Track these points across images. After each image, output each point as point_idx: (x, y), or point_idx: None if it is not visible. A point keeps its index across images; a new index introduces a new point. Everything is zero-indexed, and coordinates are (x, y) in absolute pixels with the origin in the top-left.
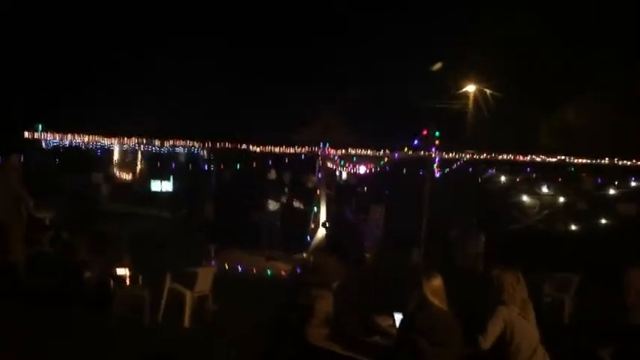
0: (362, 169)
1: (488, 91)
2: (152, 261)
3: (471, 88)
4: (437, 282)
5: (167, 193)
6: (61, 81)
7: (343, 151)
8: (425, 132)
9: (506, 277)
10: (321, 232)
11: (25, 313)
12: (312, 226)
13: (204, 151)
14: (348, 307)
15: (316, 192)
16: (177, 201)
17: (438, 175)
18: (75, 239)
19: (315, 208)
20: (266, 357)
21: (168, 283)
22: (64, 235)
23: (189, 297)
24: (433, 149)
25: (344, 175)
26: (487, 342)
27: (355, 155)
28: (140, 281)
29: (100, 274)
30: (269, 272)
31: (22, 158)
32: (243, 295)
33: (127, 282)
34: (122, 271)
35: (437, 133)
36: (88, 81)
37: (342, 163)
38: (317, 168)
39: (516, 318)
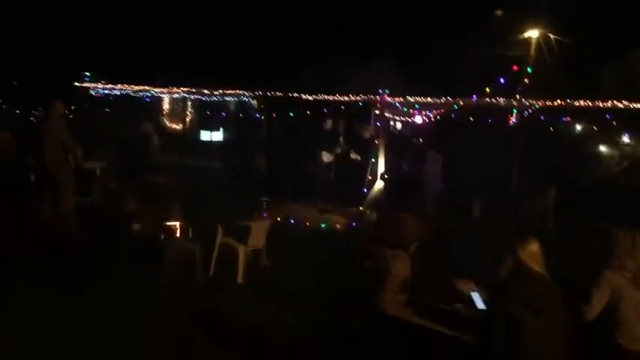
0: (418, 119)
1: (552, 36)
2: (202, 213)
3: (534, 34)
4: (534, 247)
5: (217, 143)
6: (112, 30)
7: (402, 98)
8: (515, 68)
9: (618, 236)
10: (379, 185)
11: (74, 265)
12: (370, 178)
13: (255, 100)
14: (425, 270)
15: (373, 142)
16: (228, 151)
17: (514, 121)
18: (124, 190)
19: (373, 159)
20: (329, 326)
21: (219, 237)
22: (113, 185)
23: (242, 252)
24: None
25: (398, 126)
26: (592, 312)
27: (418, 103)
28: (190, 234)
29: (150, 226)
30: (323, 225)
31: (72, 107)
32: (297, 249)
33: (177, 235)
34: (172, 224)
35: (529, 69)
36: (138, 31)
37: (405, 110)
38: (372, 117)
39: (626, 286)
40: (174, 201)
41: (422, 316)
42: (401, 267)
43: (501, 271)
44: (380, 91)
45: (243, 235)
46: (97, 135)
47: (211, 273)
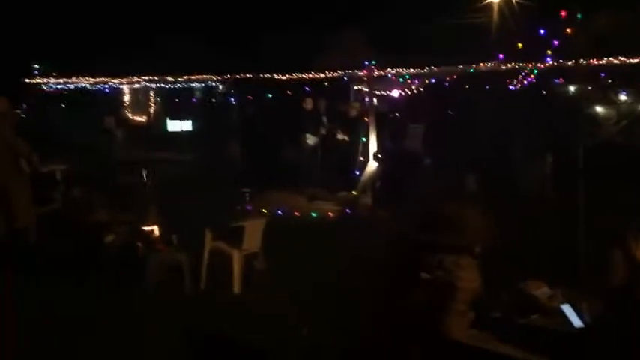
0: (395, 93)
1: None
2: (184, 215)
3: None
4: None
5: (187, 133)
6: (61, 19)
7: (393, 70)
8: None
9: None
10: (373, 165)
11: (39, 289)
12: (362, 159)
13: (223, 84)
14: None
15: (362, 120)
16: (199, 142)
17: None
18: (91, 195)
19: (364, 139)
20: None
21: (209, 242)
22: (76, 191)
23: (236, 257)
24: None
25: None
26: None
27: (409, 74)
28: (175, 241)
29: (125, 236)
30: (314, 214)
31: (24, 106)
32: (294, 245)
33: (159, 244)
34: (150, 229)
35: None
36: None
37: (402, 80)
38: (352, 93)
39: None
40: (150, 203)
41: (499, 338)
42: (469, 277)
43: (615, 277)
44: (366, 63)
45: (236, 238)
46: (54, 134)
47: (202, 283)
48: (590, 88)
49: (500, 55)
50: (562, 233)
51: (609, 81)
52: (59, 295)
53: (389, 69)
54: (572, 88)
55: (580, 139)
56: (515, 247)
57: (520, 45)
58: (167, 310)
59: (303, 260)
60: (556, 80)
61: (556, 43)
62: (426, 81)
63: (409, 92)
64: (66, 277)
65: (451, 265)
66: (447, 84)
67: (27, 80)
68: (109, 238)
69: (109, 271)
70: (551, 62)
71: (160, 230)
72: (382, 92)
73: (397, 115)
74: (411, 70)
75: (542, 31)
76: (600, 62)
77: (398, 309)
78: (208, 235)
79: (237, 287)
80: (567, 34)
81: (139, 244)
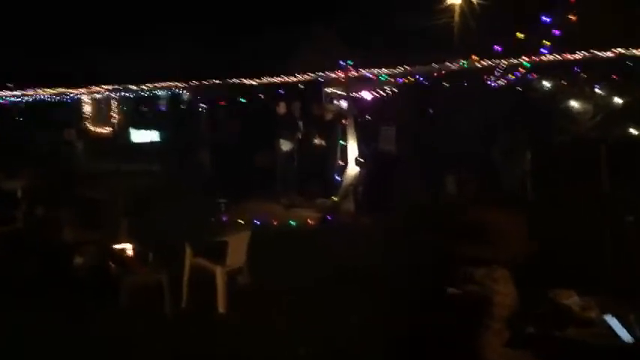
0: (365, 94)
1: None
2: (158, 230)
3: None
4: None
5: (154, 143)
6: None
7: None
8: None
9: None
10: (353, 170)
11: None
12: (342, 163)
13: (188, 91)
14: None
15: (340, 123)
16: (167, 151)
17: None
18: (55, 213)
19: (342, 142)
20: None
21: (189, 258)
22: (39, 209)
23: (219, 274)
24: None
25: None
26: None
27: (388, 74)
28: (151, 259)
29: (95, 257)
30: (292, 223)
31: None
32: (272, 255)
33: (133, 263)
34: (124, 250)
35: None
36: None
37: (384, 78)
38: (324, 95)
39: None
40: (120, 218)
41: (538, 356)
42: (505, 290)
43: None
44: (342, 63)
45: (219, 254)
46: (11, 149)
47: (184, 303)
48: (564, 83)
49: (498, 48)
50: (564, 234)
51: (583, 75)
52: (24, 323)
53: (363, 70)
54: (547, 84)
55: (556, 134)
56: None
57: (521, 35)
58: (147, 334)
59: (287, 272)
60: (530, 76)
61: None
62: (406, 80)
63: (382, 93)
64: (30, 303)
65: (484, 279)
66: (422, 83)
67: None
68: (78, 259)
69: (79, 295)
70: (526, 58)
71: (133, 248)
72: (354, 94)
73: (369, 117)
74: (385, 70)
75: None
76: (575, 57)
77: (422, 328)
78: (188, 251)
79: (222, 306)
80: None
81: (111, 264)
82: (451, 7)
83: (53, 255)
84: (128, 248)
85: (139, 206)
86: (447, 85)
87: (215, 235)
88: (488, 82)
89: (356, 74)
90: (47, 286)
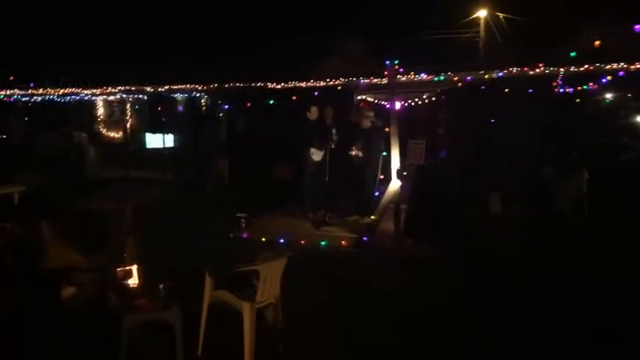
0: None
1: (501, 15)
2: (171, 250)
3: (482, 14)
4: None
5: (168, 149)
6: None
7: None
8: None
9: None
10: (396, 185)
11: None
12: (381, 176)
13: (208, 94)
14: None
15: (382, 131)
16: (184, 159)
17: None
18: (46, 228)
19: (384, 153)
20: None
21: (209, 292)
22: (17, 228)
23: (247, 313)
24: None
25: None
26: None
27: (445, 76)
28: (162, 293)
29: (91, 288)
30: (323, 243)
31: None
32: (301, 282)
33: (139, 297)
34: (128, 276)
35: None
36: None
37: (441, 78)
38: (355, 102)
39: None
40: (127, 235)
41: None
42: None
43: None
44: (387, 63)
45: (246, 287)
46: (14, 151)
47: (200, 351)
48: (630, 95)
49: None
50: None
51: None
52: None
53: (413, 72)
54: (609, 96)
55: (620, 152)
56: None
57: (598, 42)
58: None
59: (322, 305)
60: (589, 86)
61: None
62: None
63: (419, 101)
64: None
65: None
66: (466, 90)
67: None
68: (67, 290)
69: (67, 339)
70: (587, 66)
71: (140, 274)
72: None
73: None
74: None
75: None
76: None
77: None
78: (208, 282)
79: (248, 355)
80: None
81: (112, 296)
82: (477, 20)
83: (36, 283)
84: (134, 271)
85: (150, 219)
86: (498, 94)
87: (242, 262)
88: (555, 89)
89: (401, 76)
90: (25, 326)
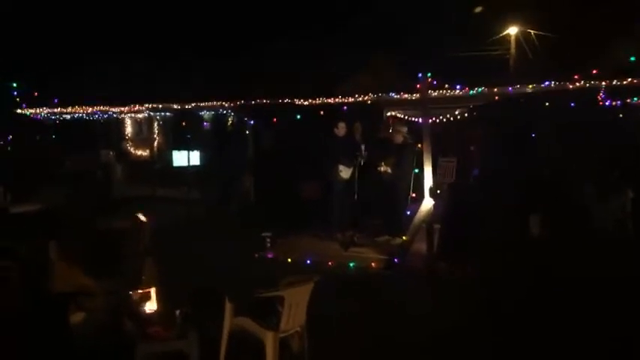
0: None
1: (532, 32)
2: (191, 272)
3: (512, 31)
4: None
5: (194, 167)
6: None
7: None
8: None
9: None
10: (429, 203)
11: None
12: (413, 195)
13: (235, 111)
14: None
15: (414, 146)
16: (209, 177)
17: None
18: (52, 249)
19: (417, 170)
20: None
21: (229, 319)
22: (23, 248)
23: (271, 342)
24: None
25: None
26: None
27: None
28: (179, 320)
29: (103, 314)
30: (352, 264)
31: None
32: (329, 306)
33: (155, 324)
34: (145, 302)
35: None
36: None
37: (478, 92)
38: (385, 118)
39: None
40: (145, 258)
41: None
42: None
43: None
44: (420, 76)
45: (270, 314)
46: (41, 169)
47: None
48: None
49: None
50: None
51: None
52: None
53: (447, 85)
54: None
55: None
56: None
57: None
58: None
59: (351, 332)
60: (635, 100)
61: None
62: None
63: (450, 118)
64: None
65: None
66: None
67: (17, 111)
68: (77, 316)
69: None
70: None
71: (157, 297)
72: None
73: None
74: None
75: None
76: None
77: None
78: (228, 308)
79: None
80: None
81: (126, 322)
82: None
83: (42, 307)
84: (152, 295)
85: (170, 239)
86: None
87: (266, 285)
88: (601, 104)
89: (433, 91)
90: (29, 356)
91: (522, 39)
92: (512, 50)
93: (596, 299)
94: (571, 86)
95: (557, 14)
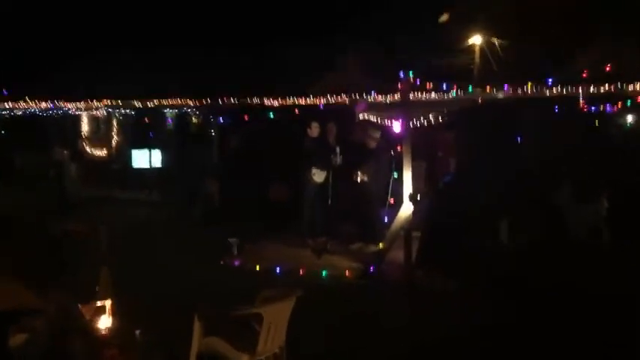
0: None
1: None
2: (153, 282)
3: (477, 40)
4: None
5: (155, 168)
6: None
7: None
8: None
9: None
10: (408, 210)
11: None
12: (391, 201)
13: (199, 110)
14: None
15: (389, 151)
16: (171, 179)
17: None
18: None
19: (395, 174)
20: None
21: (198, 339)
22: None
23: None
24: None
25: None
26: None
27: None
28: (139, 340)
29: (49, 333)
30: (324, 273)
31: None
32: (303, 318)
33: (110, 346)
34: (98, 318)
35: None
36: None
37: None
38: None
39: None
40: (99, 266)
41: None
42: None
43: None
44: (402, 75)
45: (246, 335)
46: None
47: None
48: None
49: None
50: None
51: None
52: None
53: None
54: (630, 119)
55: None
56: None
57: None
58: None
59: (326, 345)
60: (609, 109)
61: None
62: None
63: (424, 122)
64: None
65: None
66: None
67: None
68: (18, 338)
69: None
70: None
71: (113, 312)
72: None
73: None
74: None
75: None
76: None
77: None
78: (197, 328)
79: None
80: None
81: (76, 344)
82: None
83: None
84: (106, 313)
85: (130, 245)
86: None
87: (238, 298)
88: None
89: (414, 92)
90: None
91: (487, 49)
92: (477, 60)
93: (571, 311)
94: (548, 93)
95: (522, 25)
